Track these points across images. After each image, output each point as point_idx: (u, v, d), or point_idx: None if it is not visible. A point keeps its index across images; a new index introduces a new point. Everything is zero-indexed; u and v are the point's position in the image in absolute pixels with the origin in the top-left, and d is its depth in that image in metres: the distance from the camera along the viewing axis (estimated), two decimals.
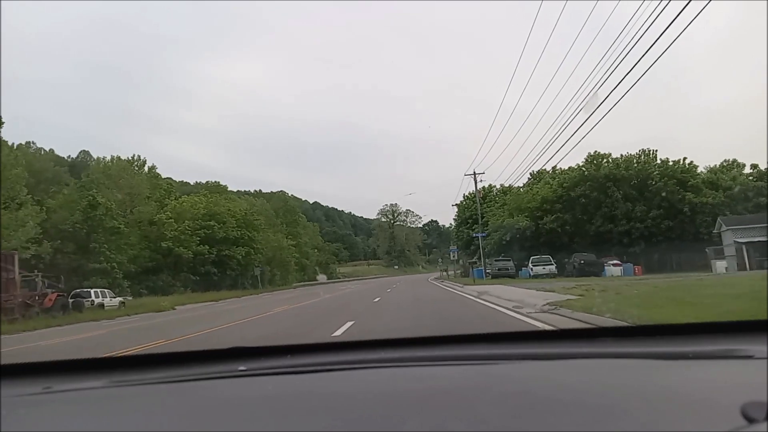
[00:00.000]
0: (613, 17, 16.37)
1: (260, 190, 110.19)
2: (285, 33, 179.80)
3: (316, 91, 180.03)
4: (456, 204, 60.67)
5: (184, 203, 50.04)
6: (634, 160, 46.76)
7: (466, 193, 58.24)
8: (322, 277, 68.76)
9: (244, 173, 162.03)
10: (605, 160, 46.93)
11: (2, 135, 28.58)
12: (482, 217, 46.47)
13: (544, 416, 0.84)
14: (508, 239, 43.00)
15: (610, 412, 0.83)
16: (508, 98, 60.74)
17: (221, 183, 73.56)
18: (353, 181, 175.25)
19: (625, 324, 7.10)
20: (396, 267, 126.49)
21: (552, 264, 37.44)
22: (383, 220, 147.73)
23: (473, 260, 48.06)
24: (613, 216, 43.68)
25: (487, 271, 40.74)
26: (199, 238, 47.13)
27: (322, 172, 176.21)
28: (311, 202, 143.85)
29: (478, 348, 1.38)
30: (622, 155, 47.05)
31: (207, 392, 1.18)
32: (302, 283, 64.91)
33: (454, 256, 52.39)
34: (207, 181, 77.09)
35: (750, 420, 0.66)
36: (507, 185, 48.50)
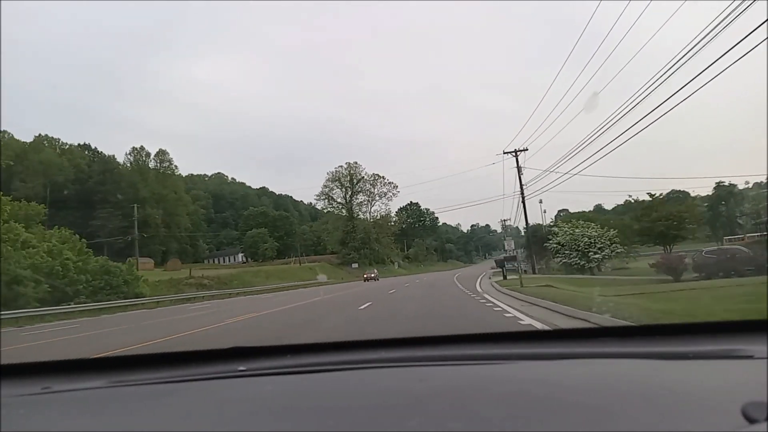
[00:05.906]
0: None
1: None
2: (257, 33, 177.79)
3: (287, 91, 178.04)
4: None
5: None
6: None
7: None
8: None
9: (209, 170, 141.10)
10: None
11: None
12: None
13: (543, 416, 0.84)
14: None
15: (610, 412, 0.83)
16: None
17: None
18: (320, 178, 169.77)
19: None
20: (355, 266, 78.81)
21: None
22: (336, 191, 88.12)
23: None
24: None
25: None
26: None
27: (291, 170, 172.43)
28: (255, 188, 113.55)
29: (477, 348, 1.38)
30: None
31: (206, 392, 1.18)
32: None
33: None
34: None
35: (750, 420, 0.65)
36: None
